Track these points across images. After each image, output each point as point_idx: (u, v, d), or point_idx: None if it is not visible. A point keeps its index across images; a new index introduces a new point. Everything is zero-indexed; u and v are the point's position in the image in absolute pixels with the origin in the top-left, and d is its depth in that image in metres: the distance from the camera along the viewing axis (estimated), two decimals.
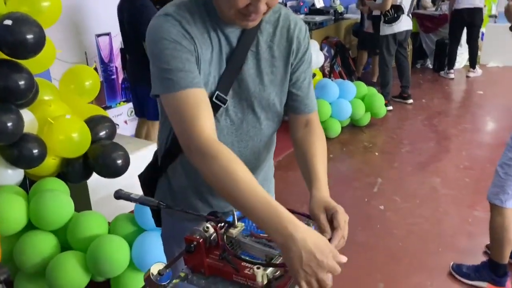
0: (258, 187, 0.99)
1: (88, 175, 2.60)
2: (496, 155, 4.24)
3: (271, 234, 0.97)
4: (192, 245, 1.12)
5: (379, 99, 4.67)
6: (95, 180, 2.70)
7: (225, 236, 1.10)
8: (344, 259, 0.95)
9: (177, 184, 1.37)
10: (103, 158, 2.48)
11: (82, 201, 2.84)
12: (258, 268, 0.99)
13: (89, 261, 2.20)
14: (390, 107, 5.26)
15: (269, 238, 1.06)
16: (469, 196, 3.46)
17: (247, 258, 1.03)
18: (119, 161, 2.48)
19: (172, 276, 1.22)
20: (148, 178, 1.47)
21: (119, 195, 1.25)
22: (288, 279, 1.01)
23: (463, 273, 2.52)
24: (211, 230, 1.14)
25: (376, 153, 4.27)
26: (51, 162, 2.45)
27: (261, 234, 1.22)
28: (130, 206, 2.99)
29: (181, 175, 1.34)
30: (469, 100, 6.00)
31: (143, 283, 2.30)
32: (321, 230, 1.06)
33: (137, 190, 1.37)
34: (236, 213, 1.12)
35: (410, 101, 5.60)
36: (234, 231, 1.13)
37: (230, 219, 1.13)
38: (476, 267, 2.50)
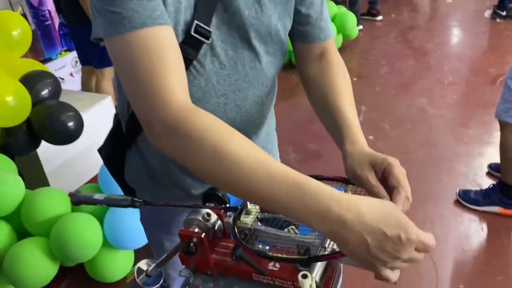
0: (268, 163, 0.66)
1: (36, 145, 2.18)
2: (478, 66, 4.06)
3: (309, 223, 0.65)
4: (191, 244, 0.79)
5: (351, 19, 4.28)
6: (46, 149, 2.30)
7: (236, 228, 0.76)
8: (431, 239, 0.64)
9: (154, 155, 1.01)
10: (50, 122, 2.07)
11: (35, 176, 2.44)
12: (304, 276, 0.67)
13: (53, 247, 1.85)
14: (361, 27, 4.91)
15: None
16: (459, 113, 3.25)
17: (277, 255, 0.73)
18: (70, 124, 2.08)
19: (165, 274, 0.90)
20: (112, 153, 1.10)
21: (78, 199, 0.95)
22: (332, 271, 0.76)
23: (472, 200, 2.32)
24: (214, 216, 0.86)
25: (354, 79, 3.96)
26: None
27: None
28: (91, 172, 2.63)
29: None
30: (440, 10, 5.70)
31: (122, 262, 1.98)
32: (375, 196, 0.75)
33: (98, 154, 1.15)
34: None
35: (380, 17, 5.27)
36: (248, 219, 0.80)
37: (235, 201, 0.80)
38: (485, 192, 2.31)
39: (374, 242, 0.60)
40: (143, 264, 0.95)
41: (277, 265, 0.80)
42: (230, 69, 0.87)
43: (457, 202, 2.38)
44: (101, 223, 1.93)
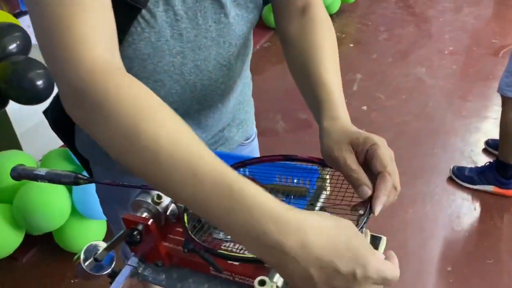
0: (196, 155, 0.50)
1: (2, 104, 2.01)
2: (481, 36, 3.88)
3: (242, 244, 0.51)
4: (135, 233, 0.66)
5: None
6: (17, 110, 2.13)
7: (186, 215, 0.64)
8: (394, 272, 0.49)
9: None
10: (17, 79, 1.89)
11: (6, 138, 2.28)
12: (262, 283, 0.54)
13: (17, 214, 1.72)
14: None
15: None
16: (458, 85, 3.09)
17: (228, 253, 0.59)
18: (39, 82, 1.90)
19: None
20: (59, 114, 0.95)
21: (18, 173, 0.82)
22: None
23: (465, 177, 2.21)
24: (166, 199, 0.74)
25: (351, 45, 3.76)
26: None
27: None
28: None
29: None
30: None
31: (93, 232, 1.87)
32: (353, 183, 0.60)
33: None
34: None
35: None
36: None
37: None
38: (480, 169, 2.19)
39: (322, 277, 0.46)
40: (91, 247, 0.83)
41: (225, 252, 0.68)
42: (188, 22, 0.71)
43: (450, 179, 2.26)
44: (70, 191, 1.80)
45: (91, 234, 1.84)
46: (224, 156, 0.95)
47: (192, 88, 0.79)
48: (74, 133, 0.98)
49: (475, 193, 2.17)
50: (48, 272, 1.90)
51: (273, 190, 0.88)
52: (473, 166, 2.25)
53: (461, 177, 2.22)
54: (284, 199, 0.86)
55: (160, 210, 0.71)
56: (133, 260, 0.77)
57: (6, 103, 2.05)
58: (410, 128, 2.68)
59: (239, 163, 0.77)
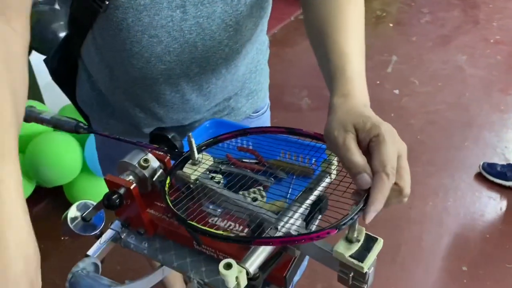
0: None
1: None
2: None
3: None
4: (114, 196, 0.60)
5: None
6: (41, 61, 2.11)
7: (167, 182, 0.58)
8: None
9: (99, 75, 0.82)
10: (40, 29, 1.87)
11: (30, 88, 2.27)
12: (228, 266, 0.47)
13: (28, 165, 1.71)
14: None
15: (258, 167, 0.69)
16: (501, 77, 2.90)
17: (201, 226, 0.52)
18: (62, 34, 1.86)
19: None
20: (59, 65, 0.91)
21: (26, 114, 0.76)
22: (288, 259, 0.59)
23: (498, 173, 2.08)
24: (154, 162, 0.69)
25: (391, 24, 3.58)
26: None
27: (247, 160, 0.73)
28: None
29: (98, 63, 0.78)
30: None
31: (102, 190, 1.85)
32: (350, 168, 0.50)
33: None
34: (191, 134, 0.60)
35: None
36: (190, 170, 0.60)
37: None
38: None
39: None
40: (81, 206, 0.79)
41: (198, 225, 0.62)
42: None
43: (478, 176, 2.14)
44: (83, 147, 1.78)
45: (100, 191, 1.83)
46: (225, 125, 0.88)
47: (192, 48, 0.72)
48: (75, 87, 0.94)
49: (503, 193, 2.05)
50: (56, 225, 1.90)
51: (275, 166, 0.81)
52: (505, 163, 2.12)
53: (493, 173, 2.09)
54: (286, 177, 0.80)
55: (146, 174, 0.66)
56: (117, 225, 0.73)
57: (29, 53, 2.04)
58: (442, 117, 2.54)
59: (240, 131, 0.70)
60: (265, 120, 1.06)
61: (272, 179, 0.78)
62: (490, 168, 2.10)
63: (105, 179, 0.66)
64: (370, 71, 2.94)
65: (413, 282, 1.68)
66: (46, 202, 1.99)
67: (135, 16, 0.66)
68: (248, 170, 0.79)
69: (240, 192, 0.72)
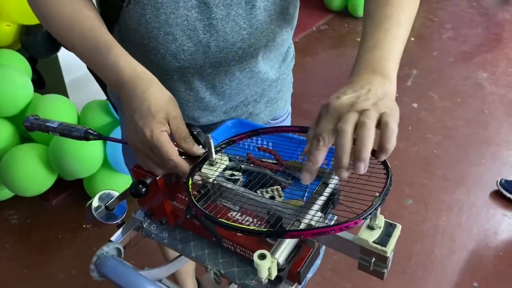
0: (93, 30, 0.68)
1: (55, 48, 2.07)
2: None
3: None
4: (141, 185, 0.63)
5: None
6: (68, 57, 2.18)
7: (190, 182, 0.60)
8: (197, 149, 0.64)
9: (135, 52, 0.85)
10: None
11: (55, 83, 2.35)
12: (262, 257, 0.50)
13: (51, 157, 1.77)
14: None
15: (277, 167, 0.71)
16: None
17: (230, 223, 0.55)
18: None
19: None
20: None
21: (30, 123, 0.81)
22: (306, 251, 0.62)
23: None
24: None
25: (412, 39, 3.59)
26: (5, 30, 1.90)
27: (267, 159, 0.75)
28: None
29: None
30: None
31: (122, 185, 1.90)
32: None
33: None
34: (211, 135, 0.63)
35: None
36: (209, 171, 0.63)
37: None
38: None
39: (134, 126, 0.62)
40: (104, 195, 0.83)
41: (229, 222, 0.65)
42: None
43: (493, 194, 2.13)
44: (105, 142, 1.83)
45: (119, 186, 1.87)
46: (247, 125, 0.91)
47: (205, 48, 0.75)
48: None
49: None
50: (74, 217, 1.96)
51: (292, 167, 0.84)
52: None
53: (510, 189, 2.08)
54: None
55: None
56: (140, 214, 0.76)
57: (58, 48, 2.10)
58: (459, 133, 2.54)
59: (253, 131, 0.73)
60: None
61: (291, 179, 0.80)
62: (508, 184, 2.09)
63: (132, 169, 0.69)
64: None
65: None
66: (66, 194, 2.05)
67: (153, 12, 0.71)
68: (268, 170, 0.82)
69: (259, 190, 0.75)
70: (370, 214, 0.49)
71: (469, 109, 2.74)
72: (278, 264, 0.53)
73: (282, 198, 0.77)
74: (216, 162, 0.64)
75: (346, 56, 3.25)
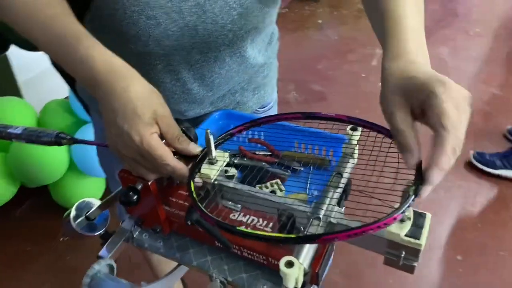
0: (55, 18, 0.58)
1: (3, 48, 1.90)
2: (510, 19, 3.70)
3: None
4: (131, 192, 0.56)
5: None
6: (20, 56, 2.02)
7: (192, 185, 0.53)
8: (194, 148, 0.58)
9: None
10: None
11: (7, 84, 2.19)
12: (289, 265, 0.44)
13: (12, 164, 1.64)
14: None
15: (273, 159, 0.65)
16: (482, 69, 2.95)
17: (251, 231, 0.49)
18: None
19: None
20: None
21: None
22: (322, 250, 0.57)
23: (487, 161, 2.10)
24: None
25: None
26: None
27: (260, 152, 0.69)
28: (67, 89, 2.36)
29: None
30: None
31: (90, 189, 1.79)
32: (398, 147, 0.49)
33: None
34: (209, 130, 0.56)
35: None
36: (211, 170, 0.56)
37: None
38: (503, 154, 2.08)
39: (117, 124, 0.54)
40: (83, 204, 0.75)
41: (248, 230, 0.59)
42: None
43: (467, 165, 2.16)
44: None
45: (88, 191, 1.76)
46: (235, 116, 0.85)
47: (192, 31, 0.68)
48: None
49: (493, 182, 2.07)
50: (42, 227, 1.83)
51: (289, 158, 0.78)
52: (494, 152, 2.14)
53: (483, 161, 2.11)
54: (302, 168, 0.77)
55: None
56: (128, 223, 0.68)
57: (6, 47, 1.94)
58: None
59: (252, 122, 0.66)
60: None
61: (289, 171, 0.75)
62: (480, 156, 2.12)
63: (119, 175, 0.61)
64: (355, 64, 2.97)
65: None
66: (31, 203, 1.91)
67: None
68: (263, 163, 0.76)
69: (257, 185, 0.69)
70: (408, 206, 0.44)
71: None
72: (304, 270, 0.47)
73: (284, 192, 0.71)
74: (217, 160, 0.57)
75: (307, 40, 3.21)
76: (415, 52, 0.52)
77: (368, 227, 0.43)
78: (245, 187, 0.57)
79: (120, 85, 0.53)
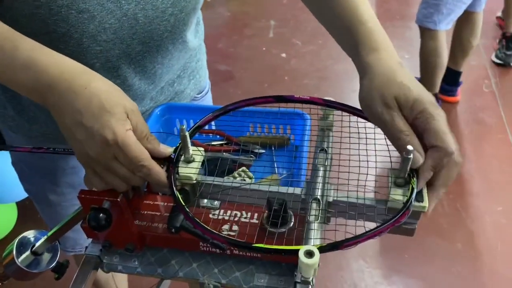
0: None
1: None
2: None
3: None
4: (101, 214, 0.49)
5: None
6: None
7: (178, 193, 0.49)
8: (165, 149, 0.52)
9: None
10: None
11: None
12: (310, 255, 0.45)
13: None
14: None
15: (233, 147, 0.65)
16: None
17: (265, 246, 0.47)
18: None
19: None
20: None
21: None
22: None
23: None
24: None
25: None
26: None
27: (215, 142, 0.66)
28: None
29: None
30: None
31: (5, 216, 1.59)
32: (401, 148, 0.49)
33: None
34: (185, 127, 0.51)
35: None
36: (191, 169, 0.52)
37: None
38: None
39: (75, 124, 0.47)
40: (25, 240, 0.65)
41: (235, 227, 0.56)
42: None
43: None
44: None
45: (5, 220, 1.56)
46: (178, 108, 0.79)
47: (132, 21, 0.61)
48: None
49: None
50: None
51: (248, 142, 0.75)
52: None
53: None
54: (264, 151, 0.74)
55: None
56: (93, 248, 0.60)
57: None
58: (332, 72, 2.67)
59: (220, 110, 0.61)
60: (209, 101, 0.99)
61: (252, 156, 0.71)
62: None
63: (79, 197, 0.53)
64: (253, 38, 2.96)
65: None
66: None
67: None
68: (223, 153, 0.72)
69: (226, 177, 0.65)
70: (416, 194, 0.46)
71: (332, 48, 2.88)
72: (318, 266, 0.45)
73: (253, 179, 0.68)
74: (193, 158, 0.52)
75: (203, 19, 3.14)
76: (391, 49, 0.54)
77: (386, 227, 0.44)
78: (226, 182, 0.52)
79: (78, 83, 0.46)
